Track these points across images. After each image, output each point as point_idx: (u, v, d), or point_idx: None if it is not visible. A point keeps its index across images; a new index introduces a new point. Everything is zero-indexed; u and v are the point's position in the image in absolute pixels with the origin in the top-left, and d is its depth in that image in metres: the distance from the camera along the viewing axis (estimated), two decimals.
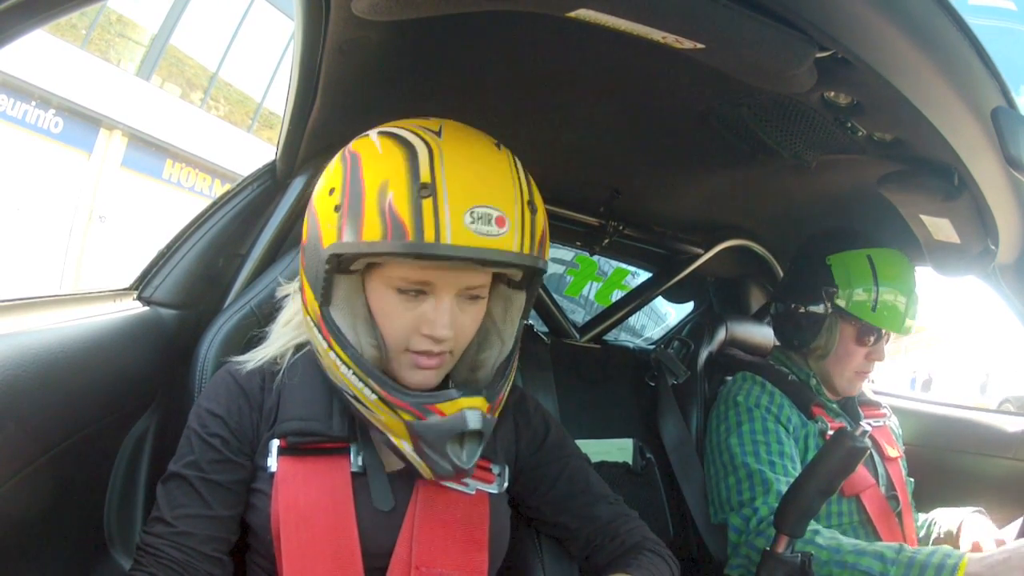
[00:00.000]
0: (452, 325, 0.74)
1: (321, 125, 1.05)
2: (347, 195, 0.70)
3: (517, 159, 0.77)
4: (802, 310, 1.31)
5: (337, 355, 0.74)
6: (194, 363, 0.96)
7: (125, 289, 1.06)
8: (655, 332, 2.31)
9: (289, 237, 1.14)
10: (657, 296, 1.80)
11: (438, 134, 0.72)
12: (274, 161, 1.14)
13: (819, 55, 0.70)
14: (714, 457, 1.30)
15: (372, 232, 0.68)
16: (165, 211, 7.68)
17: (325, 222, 0.72)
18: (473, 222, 0.67)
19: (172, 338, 1.02)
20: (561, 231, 1.61)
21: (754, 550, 1.14)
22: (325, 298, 0.74)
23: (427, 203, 0.66)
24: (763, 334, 1.70)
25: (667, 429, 1.46)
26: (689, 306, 1.99)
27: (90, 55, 8.01)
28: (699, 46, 0.70)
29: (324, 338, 0.75)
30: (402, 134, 0.73)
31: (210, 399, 0.82)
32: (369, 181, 0.70)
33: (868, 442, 1.02)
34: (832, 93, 0.82)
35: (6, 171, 7.24)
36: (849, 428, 1.06)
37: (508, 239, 0.69)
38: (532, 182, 0.77)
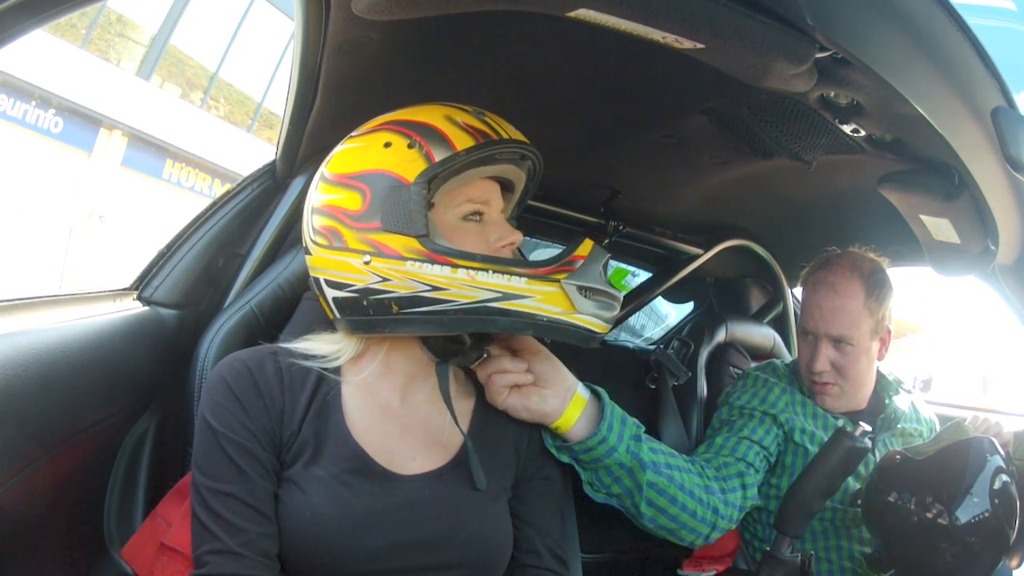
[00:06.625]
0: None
1: (321, 125, 1.05)
2: (413, 134, 0.76)
3: None
4: None
5: (468, 269, 0.74)
6: (194, 363, 0.96)
7: (125, 289, 1.06)
8: (655, 332, 2.31)
9: (289, 237, 1.14)
10: (657, 296, 1.80)
11: None
12: (274, 161, 1.14)
13: (819, 55, 0.70)
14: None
15: (463, 142, 0.76)
16: (165, 211, 7.68)
17: (401, 161, 0.75)
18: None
19: (172, 338, 1.02)
20: (561, 231, 1.61)
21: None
22: (426, 228, 0.74)
23: (488, 116, 0.80)
24: (763, 334, 1.70)
25: (667, 433, 1.46)
26: (689, 306, 1.99)
27: (90, 55, 8.01)
28: (699, 46, 0.70)
29: (442, 264, 0.74)
30: None
31: None
32: (427, 119, 0.77)
33: (868, 442, 1.02)
34: (832, 93, 0.82)
35: (6, 171, 7.24)
36: (849, 427, 1.06)
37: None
38: None
